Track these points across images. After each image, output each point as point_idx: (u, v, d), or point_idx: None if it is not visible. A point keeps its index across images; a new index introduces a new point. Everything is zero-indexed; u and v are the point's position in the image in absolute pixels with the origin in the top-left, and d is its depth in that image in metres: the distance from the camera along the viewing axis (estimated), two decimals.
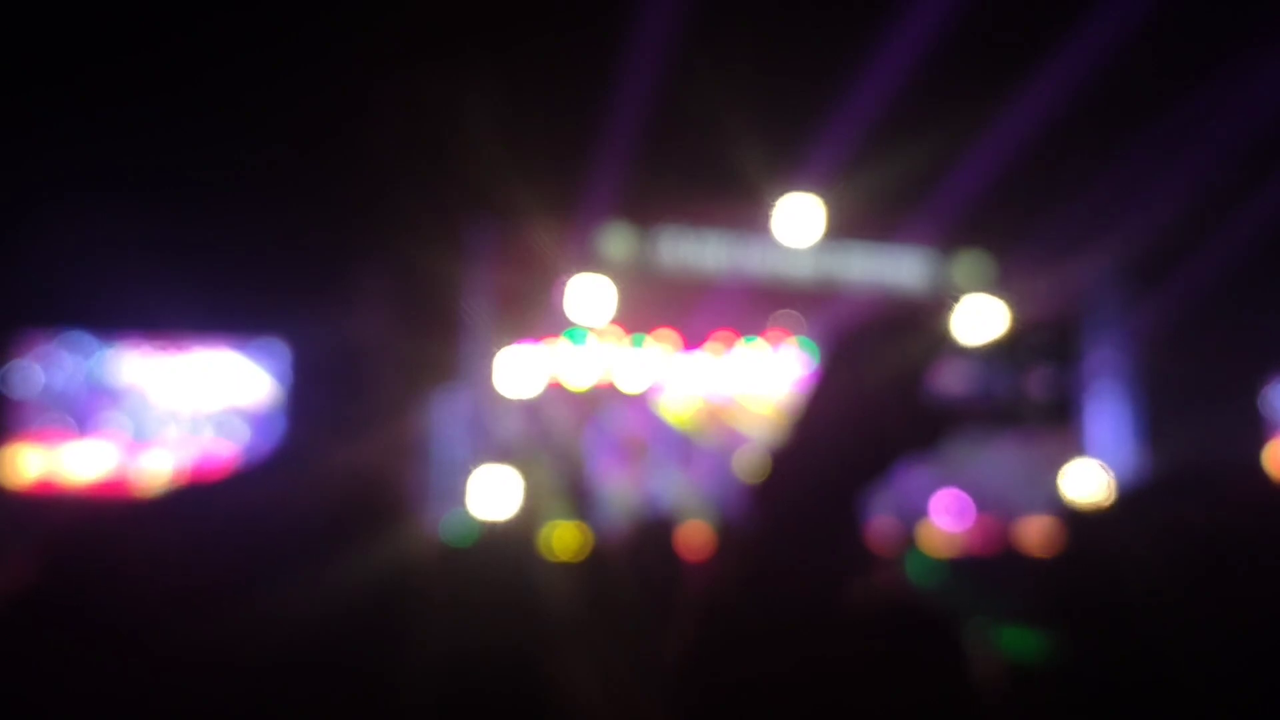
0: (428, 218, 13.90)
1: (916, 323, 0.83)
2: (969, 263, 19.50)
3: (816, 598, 0.79)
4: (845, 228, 18.84)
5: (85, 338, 19.62)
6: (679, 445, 24.26)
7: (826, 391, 0.84)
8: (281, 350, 19.62)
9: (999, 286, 19.74)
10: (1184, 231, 18.76)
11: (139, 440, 17.66)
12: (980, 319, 0.82)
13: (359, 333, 17.18)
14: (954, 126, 17.35)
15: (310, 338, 18.91)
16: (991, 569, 11.13)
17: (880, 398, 0.82)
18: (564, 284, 17.91)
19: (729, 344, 21.95)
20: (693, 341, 21.83)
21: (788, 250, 18.29)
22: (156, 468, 17.32)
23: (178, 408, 19.86)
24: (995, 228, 19.15)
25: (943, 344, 0.84)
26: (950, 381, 0.85)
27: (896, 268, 19.05)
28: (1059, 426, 0.83)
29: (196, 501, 0.76)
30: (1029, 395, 0.85)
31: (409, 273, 13.82)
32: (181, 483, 0.78)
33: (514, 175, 15.50)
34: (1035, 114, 17.74)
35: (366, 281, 16.95)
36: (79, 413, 19.75)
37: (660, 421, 24.09)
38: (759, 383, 24.44)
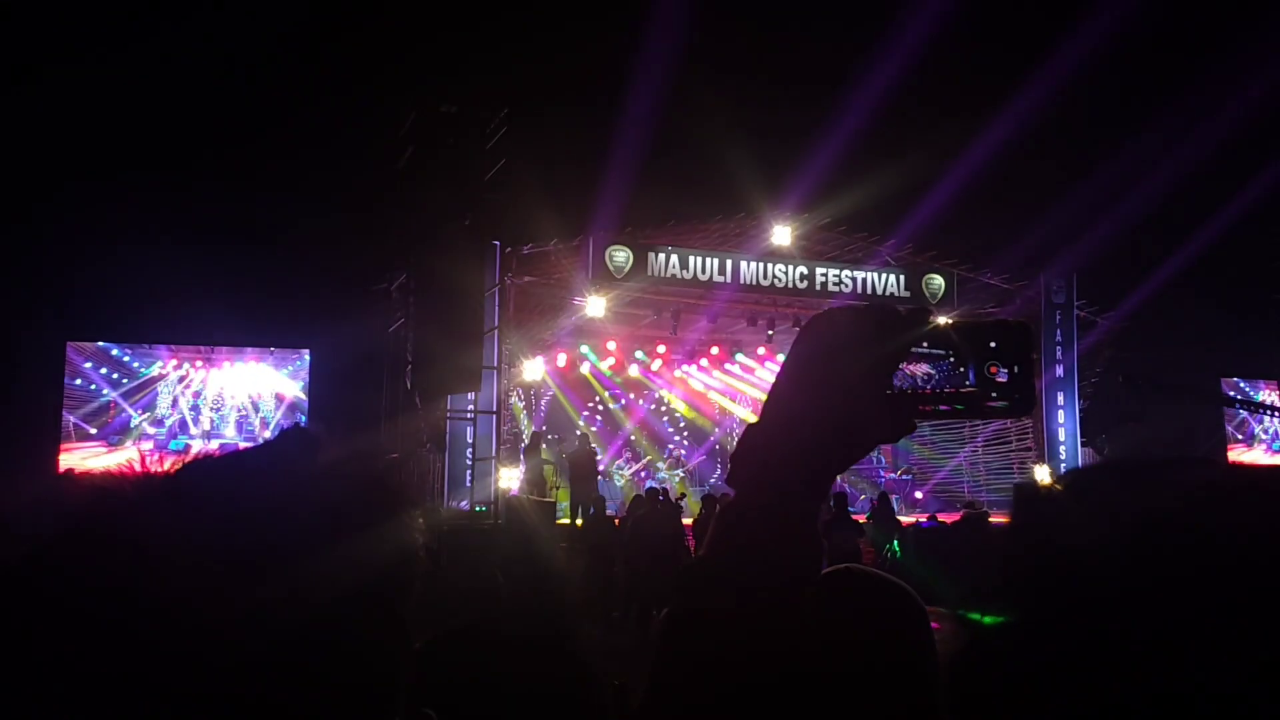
0: (451, 235, 14.38)
1: (891, 317, 0.82)
2: (936, 280, 20.15)
3: (786, 568, 0.76)
4: (826, 246, 19.54)
5: (128, 350, 20.29)
6: (679, 439, 24.82)
7: (806, 375, 0.82)
8: (309, 360, 20.27)
9: (960, 300, 20.33)
10: (1134, 244, 19.45)
11: (174, 450, 18.28)
12: (947, 317, 0.86)
13: (379, 341, 17.66)
14: (923, 151, 18.10)
15: (336, 346, 19.46)
16: (954, 543, 11.64)
17: (857, 384, 0.80)
18: (574, 297, 18.54)
19: (723, 353, 22.59)
20: (691, 350, 22.47)
21: (775, 266, 18.97)
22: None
23: (213, 415, 20.49)
24: (958, 247, 19.82)
25: (913, 338, 0.83)
26: (918, 373, 0.85)
27: (872, 283, 19.71)
28: (1017, 418, 1.02)
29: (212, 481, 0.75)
30: (989, 388, 0.85)
31: (433, 285, 14.27)
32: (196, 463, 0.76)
33: (529, 198, 16.03)
34: (995, 140, 18.47)
35: (387, 295, 17.49)
36: (117, 421, 20.44)
37: (663, 418, 24.67)
38: (751, 389, 25.01)
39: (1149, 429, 19.97)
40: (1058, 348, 20.89)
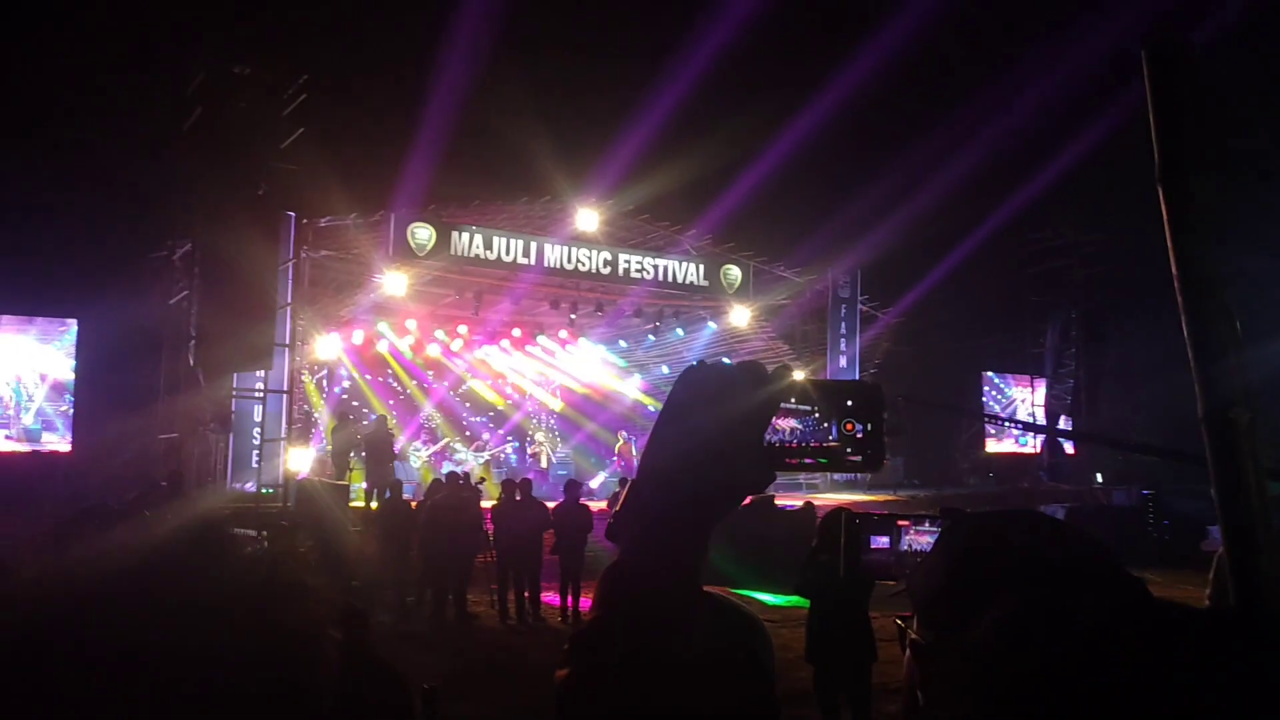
0: (241, 204, 13.50)
1: (762, 373, 0.85)
2: (733, 270, 20.76)
3: (673, 623, 0.79)
4: (629, 233, 19.69)
5: None
6: (480, 422, 24.44)
7: (682, 429, 0.83)
8: (77, 330, 18.52)
9: (755, 292, 21.03)
10: (912, 246, 20.66)
11: None
12: (807, 379, 0.91)
13: (157, 313, 16.37)
14: (724, 146, 18.52)
15: (107, 318, 17.89)
16: (743, 527, 12.04)
17: (733, 439, 0.82)
18: (373, 274, 17.85)
19: (525, 335, 22.40)
20: (492, 332, 22.15)
21: (580, 251, 18.95)
22: None
23: None
24: (755, 241, 20.48)
25: (780, 396, 0.87)
26: (785, 428, 0.89)
27: (673, 271, 20.05)
28: (868, 470, 0.91)
29: None
30: (848, 444, 0.90)
31: (220, 256, 13.37)
32: None
33: (328, 170, 15.25)
34: (792, 139, 19.15)
35: (168, 265, 16.23)
36: None
37: (463, 399, 24.22)
38: (551, 371, 24.94)
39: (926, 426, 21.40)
40: (842, 339, 21.96)
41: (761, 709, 0.83)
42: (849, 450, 0.91)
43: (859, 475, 21.48)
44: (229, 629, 0.62)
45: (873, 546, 1.71)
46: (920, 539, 1.67)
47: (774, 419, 0.88)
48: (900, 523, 1.69)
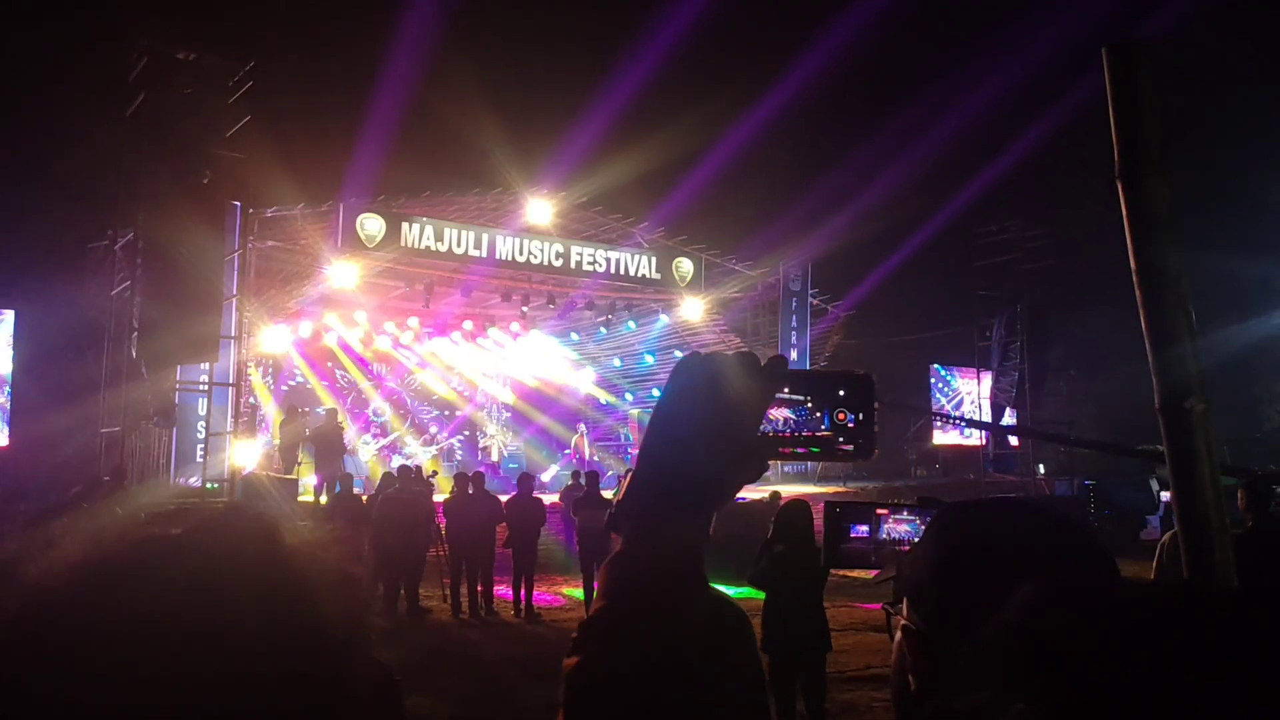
0: (186, 193, 13.20)
1: (756, 364, 0.85)
2: (685, 264, 20.84)
3: (679, 609, 0.80)
4: (582, 225, 19.66)
5: None
6: (431, 415, 24.27)
7: (680, 419, 0.84)
8: (14, 321, 18.03)
9: (707, 285, 21.14)
10: (861, 240, 20.90)
11: None
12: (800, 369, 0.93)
13: (98, 304, 15.98)
14: (677, 140, 18.55)
15: (47, 308, 17.45)
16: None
17: (732, 428, 0.83)
18: (321, 265, 17.61)
19: (477, 327, 22.27)
20: (443, 324, 21.98)
21: (532, 243, 18.88)
22: None
23: None
24: (707, 234, 20.58)
25: (775, 386, 0.87)
26: (779, 417, 0.90)
27: (625, 264, 20.07)
28: (862, 460, 0.93)
29: None
30: (839, 433, 0.91)
31: (163, 246, 13.06)
32: None
33: (275, 159, 15.01)
34: (743, 135, 19.25)
35: (110, 255, 15.85)
36: None
37: (413, 392, 24.03)
38: (502, 363, 24.84)
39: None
40: (793, 332, 22.13)
41: (758, 694, 0.86)
42: (841, 440, 0.91)
43: (809, 466, 21.71)
44: (276, 615, 0.62)
45: (852, 535, 1.73)
46: (899, 527, 1.70)
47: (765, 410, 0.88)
48: (879, 511, 1.72)
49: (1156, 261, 1.54)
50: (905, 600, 1.07)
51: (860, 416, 0.92)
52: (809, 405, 0.92)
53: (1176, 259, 1.53)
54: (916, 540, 1.58)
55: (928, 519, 1.61)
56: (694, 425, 0.84)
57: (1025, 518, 1.05)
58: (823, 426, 0.92)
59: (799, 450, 0.92)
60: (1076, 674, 0.60)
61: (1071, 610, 0.64)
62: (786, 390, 0.91)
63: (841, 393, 0.92)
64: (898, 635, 1.08)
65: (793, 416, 0.91)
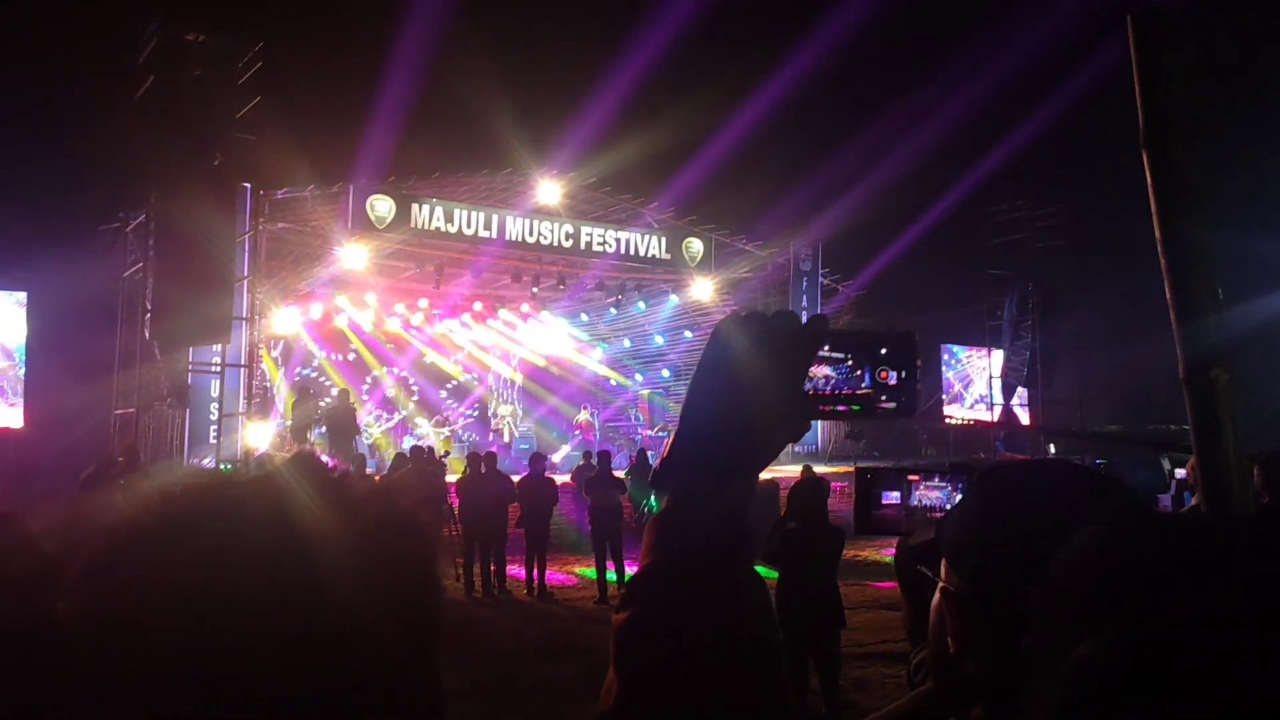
0: (197, 175, 13.20)
1: (796, 322, 0.86)
2: (695, 244, 20.79)
3: (729, 563, 0.81)
4: (591, 206, 19.62)
5: None
6: (441, 396, 24.33)
7: (723, 378, 0.84)
8: (27, 303, 18.08)
9: (717, 265, 21.09)
10: (872, 219, 20.82)
11: None
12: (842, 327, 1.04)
13: (111, 285, 16.02)
14: (686, 119, 18.47)
15: (60, 290, 17.49)
16: None
17: (774, 386, 0.84)
18: (331, 246, 17.63)
19: (487, 308, 22.30)
20: (453, 305, 22.01)
21: (542, 224, 18.85)
22: None
23: None
24: (717, 214, 20.51)
25: (816, 345, 0.88)
26: (817, 375, 0.90)
27: (635, 244, 20.03)
28: (904, 419, 0.97)
29: None
30: (881, 391, 0.91)
31: (176, 227, 13.07)
32: None
33: (285, 141, 14.99)
34: (754, 113, 19.17)
35: (122, 236, 15.88)
36: None
37: (423, 374, 24.09)
38: (513, 345, 24.87)
39: None
40: (804, 312, 21.76)
41: (780, 652, 0.87)
42: (883, 398, 0.91)
43: (819, 445, 21.69)
44: (357, 562, 0.62)
45: (883, 502, 1.73)
46: (930, 494, 1.69)
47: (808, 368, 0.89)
48: (910, 478, 1.71)
49: (1182, 231, 1.54)
50: (944, 562, 1.08)
51: (902, 374, 0.91)
52: (849, 363, 0.91)
53: (1203, 229, 1.53)
54: (948, 507, 1.58)
55: (959, 485, 1.62)
56: (736, 385, 0.84)
57: (1067, 478, 1.05)
58: (863, 384, 0.91)
59: (839, 408, 0.91)
60: (1153, 607, 0.59)
61: (1146, 544, 0.64)
62: (827, 348, 0.90)
63: (884, 351, 0.92)
64: (936, 598, 1.09)
65: (833, 375, 0.91)
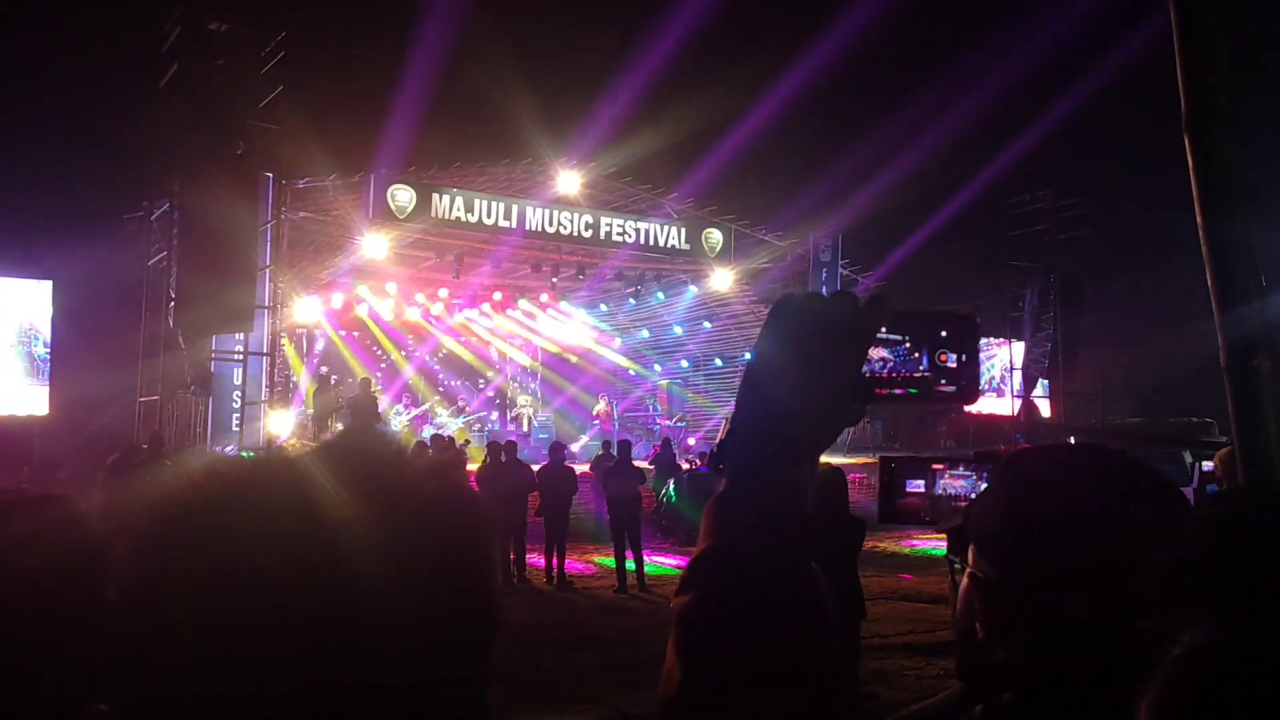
0: (220, 165, 13.24)
1: (855, 303, 0.84)
2: (715, 234, 20.74)
3: (795, 544, 0.81)
4: (611, 196, 19.60)
5: None
6: (461, 384, 24.42)
7: (781, 360, 0.83)
8: (52, 291, 18.25)
9: (736, 255, 21.02)
10: (892, 210, 20.67)
11: None
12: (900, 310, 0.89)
13: (135, 274, 16.12)
14: (706, 110, 18.39)
15: (84, 279, 17.64)
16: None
17: (835, 368, 0.83)
18: (353, 236, 17.68)
19: (506, 298, 22.33)
20: (473, 295, 22.05)
21: (561, 214, 18.84)
22: None
23: None
24: (736, 205, 20.45)
25: (875, 326, 0.85)
26: (874, 357, 0.87)
27: (655, 234, 19.99)
28: (963, 403, 0.88)
29: None
30: (940, 374, 0.88)
31: (199, 217, 13.13)
32: None
33: (307, 130, 15.03)
34: (774, 104, 19.06)
35: (145, 225, 15.97)
36: None
37: (444, 363, 24.17)
38: (532, 335, 24.90)
39: None
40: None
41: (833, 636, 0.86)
42: (942, 380, 0.88)
43: (839, 436, 21.58)
44: (409, 537, 0.61)
45: (907, 490, 1.70)
46: (955, 483, 1.67)
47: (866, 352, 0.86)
48: (935, 466, 1.69)
49: (1224, 217, 1.51)
50: (972, 548, 1.06)
51: (963, 357, 0.88)
52: (907, 345, 0.88)
53: (1245, 214, 1.50)
54: (973, 496, 1.56)
55: (984, 474, 1.59)
56: (794, 368, 0.82)
57: (1096, 462, 1.03)
58: (921, 367, 0.88)
59: (896, 392, 0.88)
60: (1269, 589, 0.58)
61: (1263, 525, 0.63)
62: (884, 329, 0.87)
63: (943, 333, 0.88)
64: (963, 583, 1.07)
65: (889, 357, 0.88)
